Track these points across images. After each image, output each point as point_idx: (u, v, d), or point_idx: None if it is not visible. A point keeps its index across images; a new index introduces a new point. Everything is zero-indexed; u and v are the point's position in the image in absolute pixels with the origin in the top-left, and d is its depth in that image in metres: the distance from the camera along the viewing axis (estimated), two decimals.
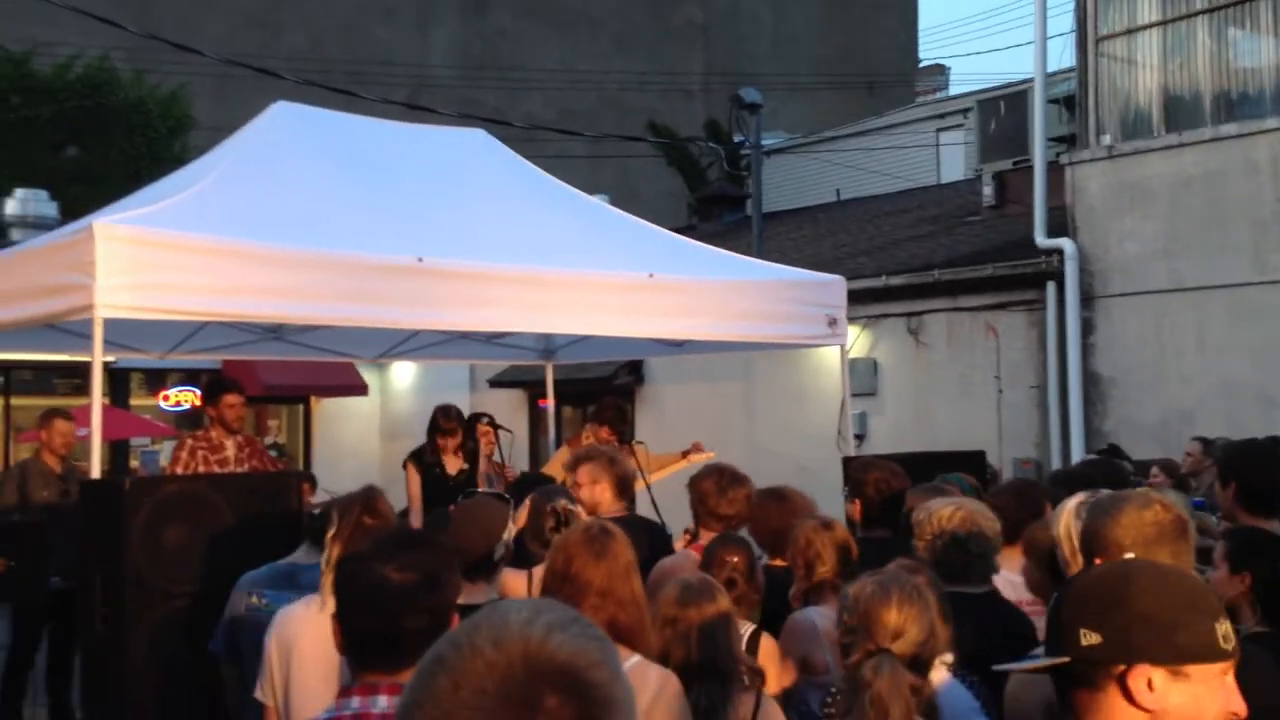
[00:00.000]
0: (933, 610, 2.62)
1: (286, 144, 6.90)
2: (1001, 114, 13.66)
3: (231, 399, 7.36)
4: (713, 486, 4.82)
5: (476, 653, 1.08)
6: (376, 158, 7.01)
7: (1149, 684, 1.66)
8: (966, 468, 5.93)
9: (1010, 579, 4.38)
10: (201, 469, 6.98)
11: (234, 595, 4.30)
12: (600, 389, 14.89)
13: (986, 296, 11.80)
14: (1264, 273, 10.08)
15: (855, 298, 12.44)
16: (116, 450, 15.82)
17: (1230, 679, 1.71)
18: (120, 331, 7.23)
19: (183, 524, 4.77)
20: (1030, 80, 12.44)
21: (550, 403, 10.87)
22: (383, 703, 2.08)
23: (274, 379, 16.11)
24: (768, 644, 4.10)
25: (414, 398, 17.81)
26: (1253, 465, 4.31)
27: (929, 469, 5.72)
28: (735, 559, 4.20)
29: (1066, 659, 1.71)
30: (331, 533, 4.14)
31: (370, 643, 2.13)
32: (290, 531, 4.92)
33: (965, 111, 16.56)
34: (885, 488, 4.80)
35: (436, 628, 2.12)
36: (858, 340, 12.96)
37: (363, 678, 2.14)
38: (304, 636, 3.50)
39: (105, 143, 20.91)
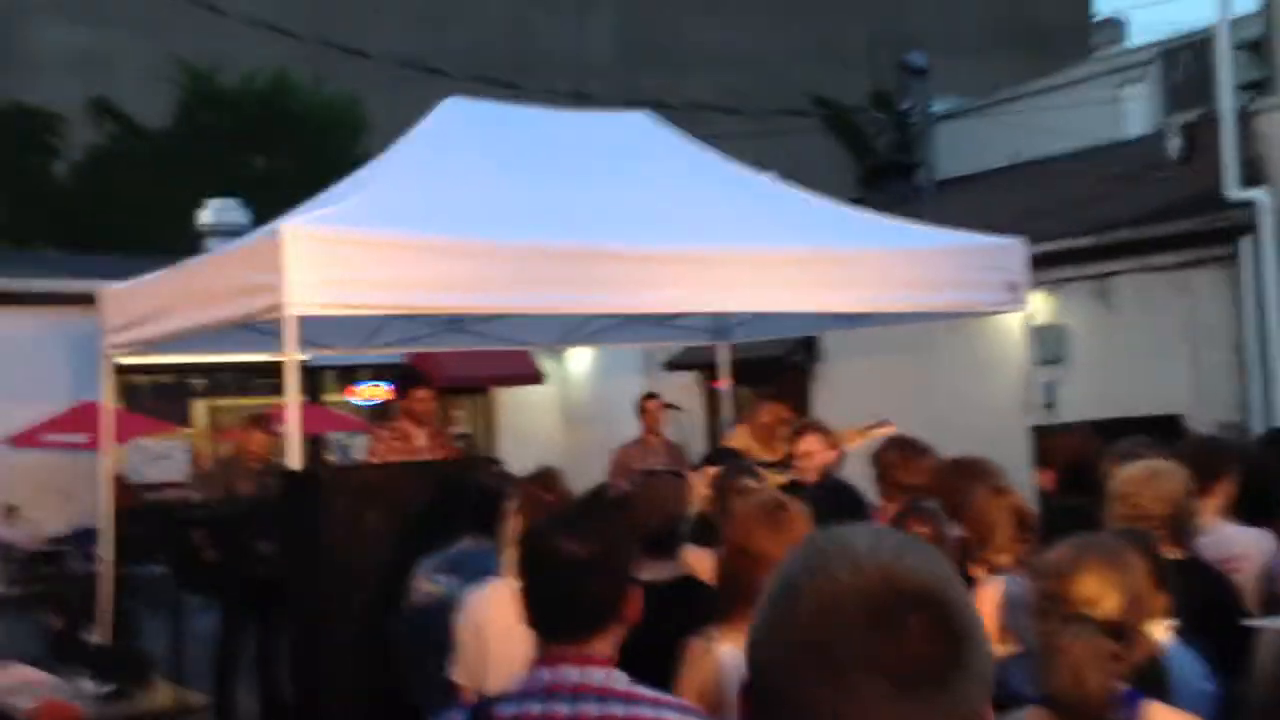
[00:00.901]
0: (1137, 576, 2.52)
1: (458, 138, 7.06)
2: (1186, 63, 13.03)
3: (421, 394, 7.58)
4: (897, 457, 4.77)
5: (834, 579, 1.11)
6: (544, 146, 7.12)
7: None
8: (1162, 432, 5.71)
9: (1209, 538, 4.21)
10: (393, 458, 7.21)
11: (415, 579, 4.46)
12: (775, 368, 14.82)
13: (1178, 254, 11.28)
14: None
15: (1038, 262, 12.04)
16: (312, 445, 16.49)
17: None
18: (311, 330, 7.53)
19: (380, 510, 4.95)
20: (1215, 26, 11.82)
21: (724, 383, 10.87)
22: (573, 675, 2.12)
23: (456, 371, 16.53)
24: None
25: (590, 384, 18.03)
26: None
27: (1122, 435, 5.51)
28: (924, 529, 4.13)
29: None
30: (513, 509, 4.26)
31: (553, 614, 2.17)
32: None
33: (1146, 64, 15.85)
34: (1075, 454, 4.64)
35: (617, 598, 2.15)
36: (1043, 306, 12.57)
37: (548, 650, 2.18)
38: (496, 616, 3.59)
39: (288, 150, 21.78)
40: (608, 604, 2.18)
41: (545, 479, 4.44)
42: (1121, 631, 2.45)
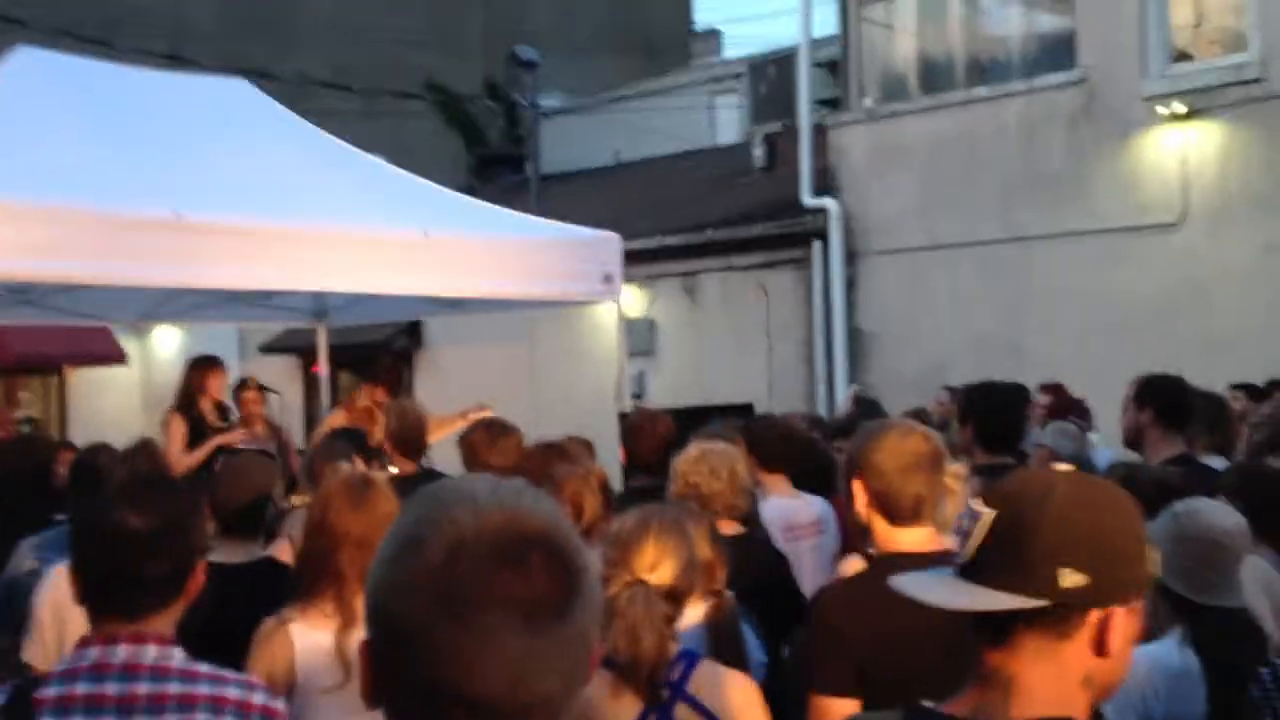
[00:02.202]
0: (692, 545, 2.70)
1: (28, 90, 6.49)
2: (770, 78, 14.01)
3: None
4: (482, 438, 4.84)
5: (458, 524, 1.13)
6: (130, 107, 6.67)
7: (1121, 625, 1.46)
8: (738, 419, 6.14)
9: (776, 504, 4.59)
10: None
11: (14, 559, 4.12)
12: (377, 353, 14.63)
13: (757, 255, 12.14)
14: (1011, 231, 10.69)
15: (632, 258, 12.59)
16: None
17: None
18: None
19: None
20: (797, 46, 12.80)
21: (324, 369, 10.60)
22: (122, 653, 2.02)
23: (25, 347, 15.22)
24: None
25: (178, 367, 17.06)
26: (988, 406, 4.60)
27: (702, 422, 5.87)
28: None
29: (1045, 602, 1.44)
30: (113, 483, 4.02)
31: (109, 589, 2.06)
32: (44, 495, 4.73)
33: (738, 76, 16.90)
34: (650, 436, 4.90)
35: (179, 575, 2.07)
36: (636, 300, 13.14)
37: (101, 626, 2.07)
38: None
39: None
40: (166, 581, 2.09)
41: (146, 450, 4.25)
42: (678, 596, 2.62)
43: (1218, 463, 4.65)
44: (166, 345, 17.22)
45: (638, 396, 13.00)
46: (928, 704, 1.48)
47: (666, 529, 2.62)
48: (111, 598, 2.07)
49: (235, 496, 3.75)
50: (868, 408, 7.51)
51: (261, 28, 22.97)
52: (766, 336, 12.09)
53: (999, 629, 1.47)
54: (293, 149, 7.22)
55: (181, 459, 6.96)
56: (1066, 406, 7.61)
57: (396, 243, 6.61)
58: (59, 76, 6.80)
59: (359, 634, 2.96)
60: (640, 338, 13.01)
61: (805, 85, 11.97)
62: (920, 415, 8.30)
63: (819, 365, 11.76)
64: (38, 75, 6.69)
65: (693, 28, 26.32)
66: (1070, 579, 1.43)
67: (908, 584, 1.56)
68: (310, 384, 14.99)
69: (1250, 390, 8.84)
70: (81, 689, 2.00)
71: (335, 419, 7.79)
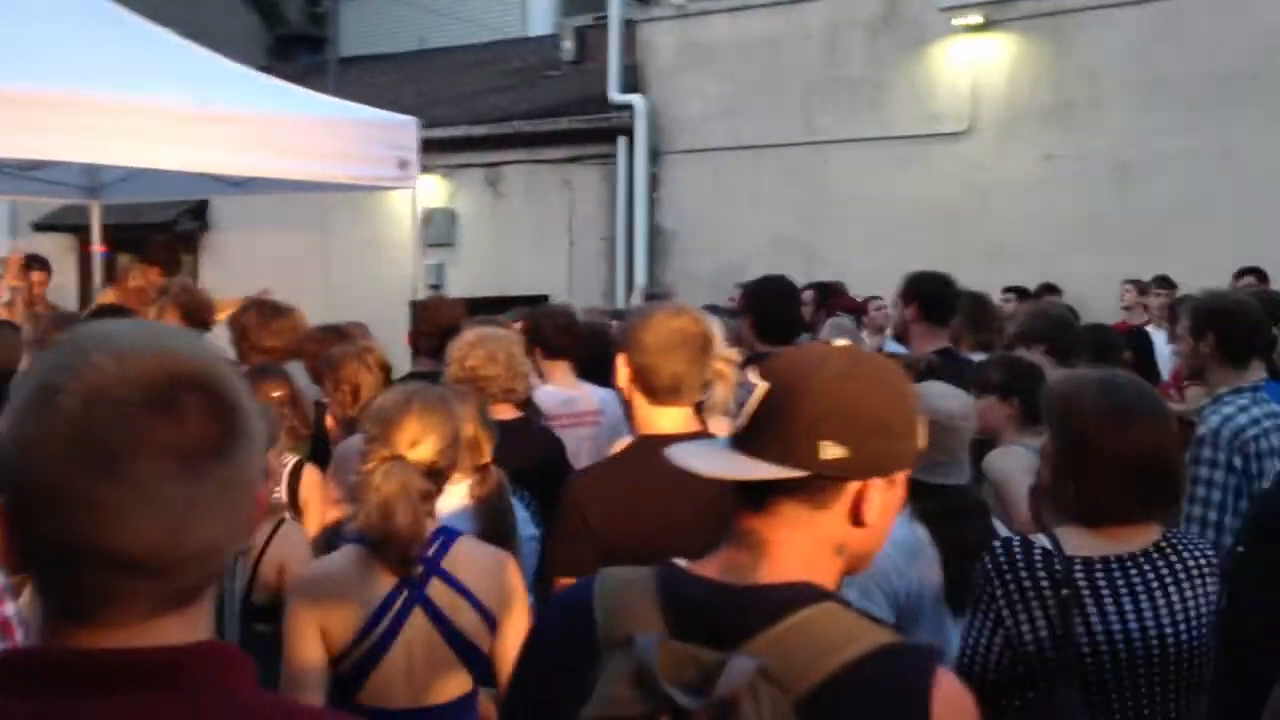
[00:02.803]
0: (457, 423, 2.67)
1: None
2: None
3: None
4: (254, 319, 4.68)
5: (99, 370, 1.06)
6: None
7: (878, 496, 1.47)
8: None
9: (552, 391, 4.60)
10: None
11: None
12: (159, 234, 13.99)
13: (563, 150, 12.02)
14: (812, 134, 10.85)
15: (435, 147, 12.33)
16: None
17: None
18: None
19: None
20: None
21: (100, 247, 10.04)
22: None
23: None
24: (311, 475, 4.08)
25: None
26: (765, 297, 4.70)
27: (495, 312, 5.82)
28: (278, 393, 4.11)
29: (804, 472, 1.44)
30: None
31: None
32: None
33: None
34: (433, 323, 4.84)
35: None
36: (437, 190, 12.88)
37: None
38: None
39: None
40: None
41: None
42: (437, 474, 2.59)
43: (980, 358, 4.87)
44: None
45: (435, 287, 12.82)
46: (679, 562, 1.49)
47: (429, 407, 2.58)
48: None
49: None
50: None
51: None
52: (569, 232, 12.05)
53: (759, 495, 1.48)
54: (62, 12, 6.74)
55: None
56: (844, 306, 7.84)
57: (173, 114, 6.27)
58: None
59: None
60: (440, 229, 12.78)
61: None
62: (714, 310, 8.48)
63: (620, 262, 11.79)
64: None
65: None
66: (830, 451, 1.44)
67: (678, 453, 1.55)
68: (85, 264, 14.27)
69: (1021, 293, 9.30)
70: None
71: (105, 297, 7.44)
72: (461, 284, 12.48)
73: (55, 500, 1.04)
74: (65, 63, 6.14)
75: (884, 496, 1.48)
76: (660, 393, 2.71)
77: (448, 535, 2.61)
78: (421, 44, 18.00)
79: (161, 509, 1.05)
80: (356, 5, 18.84)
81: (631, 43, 11.79)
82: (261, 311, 4.71)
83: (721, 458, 1.52)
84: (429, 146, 12.08)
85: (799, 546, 1.46)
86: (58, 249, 14.50)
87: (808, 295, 7.61)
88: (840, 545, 1.48)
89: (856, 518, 1.47)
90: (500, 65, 15.53)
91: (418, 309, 4.98)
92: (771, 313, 4.70)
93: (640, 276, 11.58)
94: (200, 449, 1.07)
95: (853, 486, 1.47)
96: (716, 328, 2.97)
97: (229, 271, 13.67)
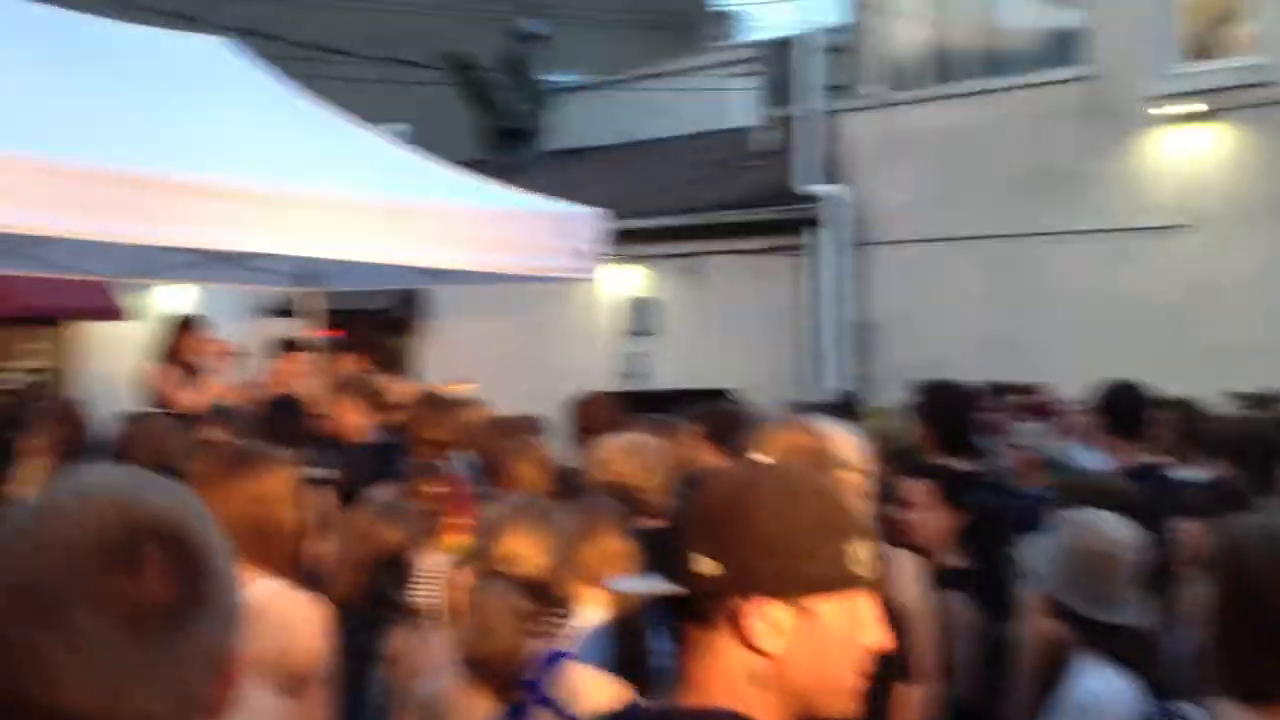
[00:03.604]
0: (566, 539, 2.56)
1: (6, 40, 6.41)
2: (783, 62, 13.80)
3: None
4: (426, 413, 4.72)
5: (59, 513, 1.01)
6: (94, 57, 6.57)
7: (767, 620, 1.36)
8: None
9: None
10: None
11: None
12: (379, 321, 14.56)
13: (760, 240, 11.96)
14: (1018, 225, 10.47)
15: (637, 238, 12.49)
16: None
17: (867, 608, 1.41)
18: None
19: None
20: (809, 30, 12.60)
21: (321, 332, 10.45)
22: None
23: (26, 300, 15.19)
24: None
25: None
26: (942, 406, 4.44)
27: (676, 406, 5.69)
28: (434, 489, 4.11)
29: (681, 590, 1.39)
30: (30, 444, 3.93)
31: None
32: None
33: (752, 60, 16.67)
34: (594, 418, 4.78)
35: None
36: (641, 280, 13.01)
37: None
38: None
39: None
40: None
41: (65, 412, 4.16)
42: (544, 592, 2.48)
43: (1189, 474, 4.47)
44: (169, 302, 17.18)
45: (637, 376, 12.88)
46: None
47: (534, 522, 2.48)
48: None
49: (146, 457, 3.63)
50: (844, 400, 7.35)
51: None
52: (766, 323, 11.93)
53: (676, 621, 1.44)
54: (262, 108, 7.11)
55: (186, 398, 6.88)
56: (1031, 409, 7.45)
57: (369, 210, 6.49)
58: (37, 27, 6.71)
59: None
60: (644, 318, 12.89)
61: (815, 69, 11.78)
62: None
63: (820, 354, 11.60)
64: (16, 25, 6.61)
65: (713, 7, 26.07)
66: (700, 564, 1.37)
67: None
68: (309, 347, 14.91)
69: (1249, 399, 8.62)
70: None
71: (309, 386, 7.69)
72: (664, 373, 12.51)
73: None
74: (274, 159, 6.44)
75: (788, 623, 1.35)
76: None
77: (554, 658, 2.49)
78: (627, 137, 18.37)
79: (99, 670, 0.97)
80: (569, 100, 19.42)
81: (832, 133, 11.69)
82: (432, 405, 4.75)
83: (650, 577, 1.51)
84: (633, 237, 12.28)
85: (708, 674, 1.38)
86: (283, 332, 15.28)
87: (1001, 398, 7.26)
88: (753, 675, 1.37)
89: (746, 641, 1.36)
90: (702, 156, 15.66)
91: (575, 406, 4.92)
92: (948, 422, 4.44)
93: (840, 369, 11.36)
94: (153, 610, 0.99)
95: (737, 606, 1.37)
96: (849, 439, 2.79)
97: (443, 355, 14.11)
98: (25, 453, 3.96)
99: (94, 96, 6.23)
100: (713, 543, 1.37)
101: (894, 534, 3.99)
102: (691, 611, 1.40)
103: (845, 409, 5.88)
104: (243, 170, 6.15)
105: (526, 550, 2.45)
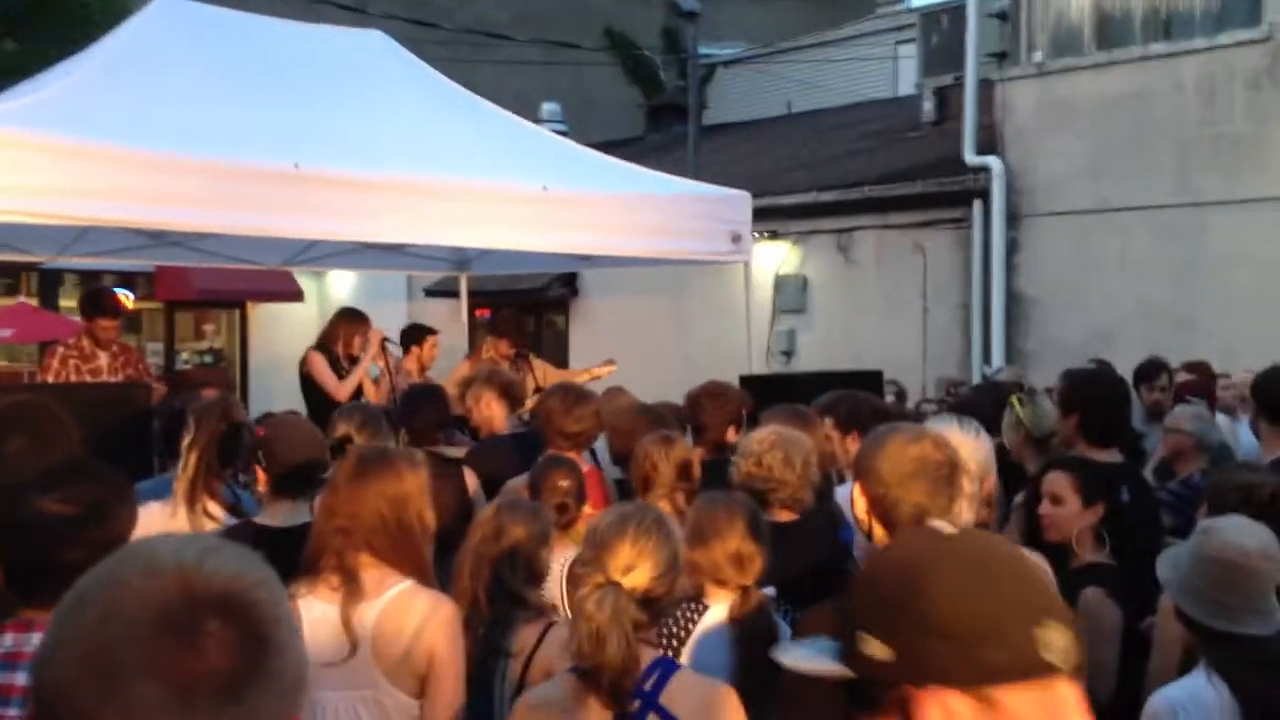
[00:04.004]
0: (675, 547, 2.57)
1: (170, 40, 6.70)
2: (944, 28, 13.43)
3: (105, 323, 7.21)
4: (559, 404, 4.77)
5: (124, 585, 1.05)
6: (262, 59, 6.82)
7: (943, 711, 1.23)
8: (864, 387, 5.88)
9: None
10: (74, 378, 6.87)
11: None
12: (533, 300, 14.79)
13: (915, 214, 11.70)
14: (1185, 194, 10.02)
15: (787, 213, 12.38)
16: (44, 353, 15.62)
17: (1066, 693, 1.27)
18: (7, 234, 7.09)
19: (23, 436, 4.67)
20: None
21: (480, 312, 10.70)
22: (37, 640, 2.02)
23: (209, 284, 15.91)
24: None
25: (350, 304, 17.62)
26: (1092, 398, 4.28)
27: (826, 388, 5.64)
28: (565, 483, 4.15)
29: (849, 673, 1.28)
30: (188, 440, 4.12)
31: (25, 576, 2.06)
32: (140, 442, 4.89)
33: (913, 25, 16.30)
34: (722, 411, 4.76)
35: (93, 562, 2.05)
36: (788, 257, 12.88)
37: (19, 613, 2.08)
38: None
39: (42, 36, 20.35)
40: (85, 569, 2.08)
41: (225, 408, 4.32)
42: (653, 601, 2.50)
43: None
44: (341, 285, 17.79)
45: (788, 354, 12.80)
46: None
47: (645, 530, 2.50)
48: (30, 585, 2.07)
49: (285, 457, 3.76)
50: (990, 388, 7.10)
51: None
52: (922, 298, 11.68)
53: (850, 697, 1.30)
54: (419, 100, 7.27)
55: (340, 387, 7.13)
56: (1191, 388, 7.07)
57: (514, 197, 6.60)
58: (194, 27, 6.98)
59: (364, 607, 2.96)
60: (791, 295, 12.77)
61: (974, 36, 11.42)
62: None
63: (975, 330, 11.31)
64: (179, 25, 6.89)
65: None
66: (873, 648, 1.24)
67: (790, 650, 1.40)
68: (471, 325, 15.28)
69: None
70: None
71: (461, 369, 7.85)
72: (812, 351, 12.39)
73: (57, 710, 1.03)
74: (415, 151, 6.59)
75: (968, 714, 1.22)
76: (900, 527, 2.50)
77: (666, 667, 2.51)
78: (788, 109, 18.17)
79: None
80: (730, 74, 19.29)
81: (990, 102, 11.35)
82: (565, 397, 4.80)
83: (818, 647, 1.34)
84: (780, 213, 12.18)
85: None
86: (446, 312, 15.67)
87: (1164, 375, 6.96)
88: None
89: None
90: (861, 128, 15.40)
91: (695, 399, 4.88)
92: (1095, 413, 4.28)
93: (997, 345, 11.06)
94: (211, 683, 1.01)
95: (909, 695, 1.24)
96: (974, 442, 2.72)
97: (595, 334, 14.26)
98: (187, 448, 4.12)
99: (248, 94, 6.46)
100: (884, 624, 1.25)
101: (1033, 530, 3.89)
102: (861, 697, 1.28)
103: (994, 394, 5.71)
104: (405, 165, 6.32)
105: (638, 561, 2.46)
